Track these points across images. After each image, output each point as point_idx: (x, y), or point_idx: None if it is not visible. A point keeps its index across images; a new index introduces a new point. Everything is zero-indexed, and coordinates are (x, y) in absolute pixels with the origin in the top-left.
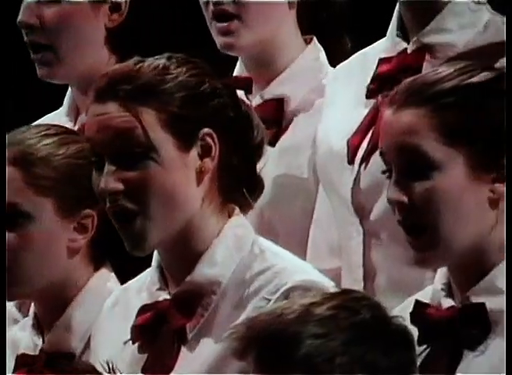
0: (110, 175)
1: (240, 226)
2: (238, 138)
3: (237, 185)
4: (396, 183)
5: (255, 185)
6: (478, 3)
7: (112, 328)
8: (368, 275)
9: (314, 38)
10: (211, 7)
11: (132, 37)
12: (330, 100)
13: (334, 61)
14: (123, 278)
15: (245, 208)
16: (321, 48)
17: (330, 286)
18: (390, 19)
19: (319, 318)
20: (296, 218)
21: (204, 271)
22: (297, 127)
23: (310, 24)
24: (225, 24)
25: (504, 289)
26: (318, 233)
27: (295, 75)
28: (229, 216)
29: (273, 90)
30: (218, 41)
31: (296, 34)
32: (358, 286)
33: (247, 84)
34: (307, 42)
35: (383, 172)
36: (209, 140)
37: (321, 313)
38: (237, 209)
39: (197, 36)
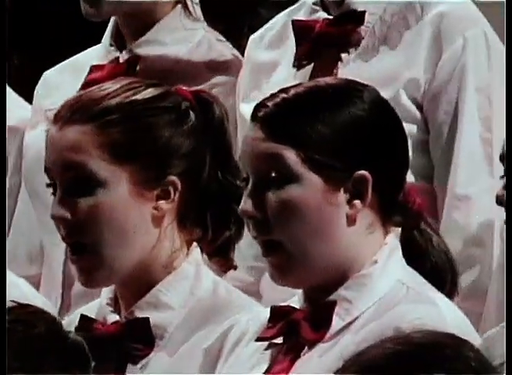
0: None
1: None
2: None
3: None
4: (61, 199)
5: None
6: (195, 20)
7: None
8: (67, 282)
9: None
10: None
11: None
12: (37, 105)
13: None
14: None
15: None
16: None
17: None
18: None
19: None
20: None
21: None
22: None
23: None
24: None
25: (170, 304)
26: (17, 240)
27: None
28: None
29: None
30: None
31: None
32: (57, 292)
33: None
34: None
35: (47, 185)
36: None
37: None
38: None
39: None
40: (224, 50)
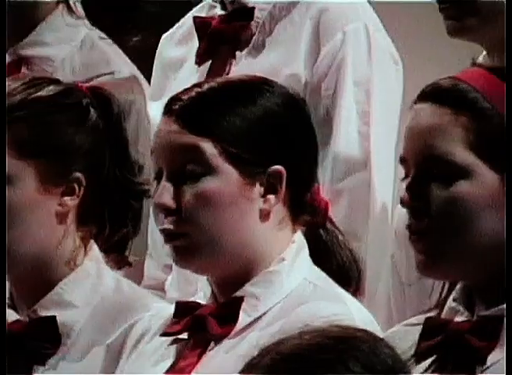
0: None
1: None
2: None
3: None
4: None
5: None
6: (78, 18)
7: None
8: None
9: None
10: None
11: None
12: None
13: None
14: None
15: None
16: None
17: None
18: None
19: None
20: None
21: None
22: None
23: None
24: None
25: (73, 302)
26: None
27: None
28: None
29: None
30: None
31: None
32: None
33: None
34: None
35: None
36: None
37: None
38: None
39: None
40: (107, 49)
